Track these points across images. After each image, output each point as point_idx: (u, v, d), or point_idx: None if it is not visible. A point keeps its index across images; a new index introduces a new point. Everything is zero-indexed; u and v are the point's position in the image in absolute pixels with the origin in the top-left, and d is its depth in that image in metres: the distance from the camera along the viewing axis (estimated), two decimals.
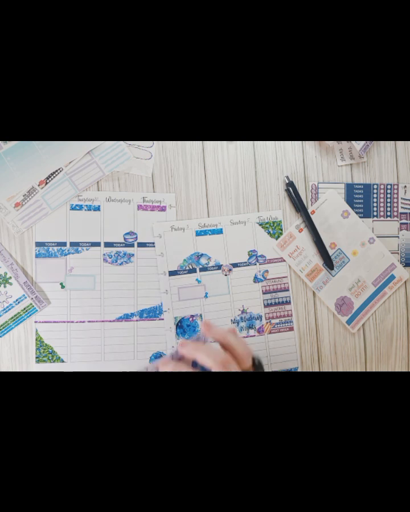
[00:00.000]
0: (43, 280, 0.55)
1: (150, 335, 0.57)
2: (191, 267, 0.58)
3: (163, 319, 0.57)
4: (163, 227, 0.57)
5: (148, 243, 0.57)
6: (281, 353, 0.60)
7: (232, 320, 0.58)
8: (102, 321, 0.56)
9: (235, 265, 0.59)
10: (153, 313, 0.57)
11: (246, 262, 0.59)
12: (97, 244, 0.56)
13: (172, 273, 0.57)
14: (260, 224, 0.59)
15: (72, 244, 0.56)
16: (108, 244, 0.56)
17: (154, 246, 0.57)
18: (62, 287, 0.55)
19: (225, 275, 0.58)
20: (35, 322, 0.55)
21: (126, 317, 0.57)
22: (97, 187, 0.56)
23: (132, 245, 0.57)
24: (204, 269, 0.58)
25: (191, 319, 0.57)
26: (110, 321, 0.56)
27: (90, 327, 0.56)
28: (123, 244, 0.56)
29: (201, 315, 0.58)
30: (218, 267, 0.58)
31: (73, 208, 0.55)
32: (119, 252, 0.56)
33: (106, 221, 0.56)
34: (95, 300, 0.56)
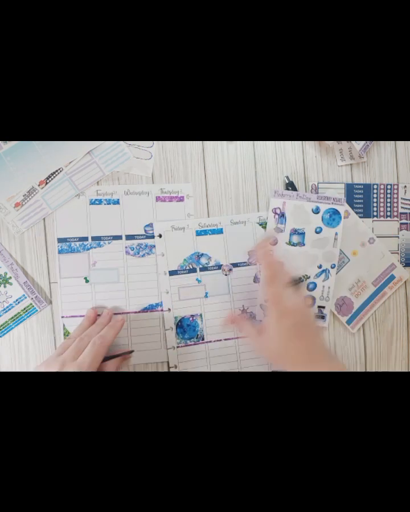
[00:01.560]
0: (67, 276, 0.56)
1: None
2: (191, 267, 0.58)
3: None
4: (163, 227, 0.57)
5: None
6: None
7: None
8: (128, 312, 0.56)
9: (235, 265, 0.59)
10: None
11: (246, 262, 0.59)
12: (119, 237, 0.57)
13: (172, 272, 0.57)
14: (260, 225, 0.59)
15: (94, 238, 0.56)
16: (129, 237, 0.57)
17: None
18: (87, 281, 0.56)
19: (225, 275, 0.58)
20: (62, 317, 0.55)
21: (151, 308, 0.57)
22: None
23: (152, 236, 0.57)
24: (204, 269, 0.58)
25: (191, 319, 0.57)
26: (136, 312, 0.57)
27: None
28: (144, 236, 0.57)
29: (201, 315, 0.58)
30: (219, 266, 0.58)
31: (92, 203, 0.56)
32: (141, 244, 0.57)
33: (126, 213, 0.57)
34: (120, 292, 0.56)
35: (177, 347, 0.57)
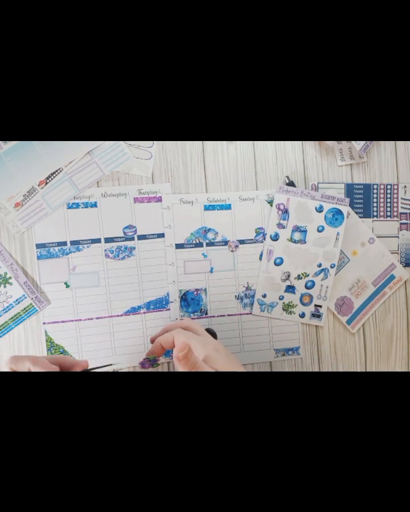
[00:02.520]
0: (47, 281, 0.55)
1: (158, 326, 0.57)
2: (197, 241, 0.58)
3: (169, 309, 0.58)
4: (172, 200, 0.57)
5: (148, 235, 0.57)
6: (283, 331, 0.60)
7: (235, 296, 0.59)
8: (110, 317, 0.56)
9: (242, 242, 0.59)
10: (160, 304, 0.57)
11: (253, 239, 0.59)
12: (98, 240, 0.56)
13: (178, 246, 0.57)
14: (269, 202, 0.59)
15: (72, 242, 0.56)
16: (108, 240, 0.56)
17: (155, 238, 0.57)
18: (67, 286, 0.55)
19: (231, 251, 0.59)
20: (44, 323, 0.55)
21: (134, 311, 0.57)
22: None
23: (132, 238, 0.57)
24: (210, 244, 0.58)
25: (195, 292, 0.58)
26: (118, 316, 0.56)
27: (98, 324, 0.56)
28: (124, 239, 0.57)
29: (205, 289, 0.58)
30: (225, 242, 0.59)
31: (70, 207, 0.55)
32: (121, 247, 0.56)
33: (104, 216, 0.56)
34: (101, 296, 0.56)
35: (181, 319, 0.58)
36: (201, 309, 0.58)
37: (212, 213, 0.58)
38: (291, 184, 0.59)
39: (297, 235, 0.59)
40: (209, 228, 0.58)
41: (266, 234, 0.59)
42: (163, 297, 0.57)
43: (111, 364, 0.54)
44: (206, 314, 0.58)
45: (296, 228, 0.59)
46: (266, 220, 0.59)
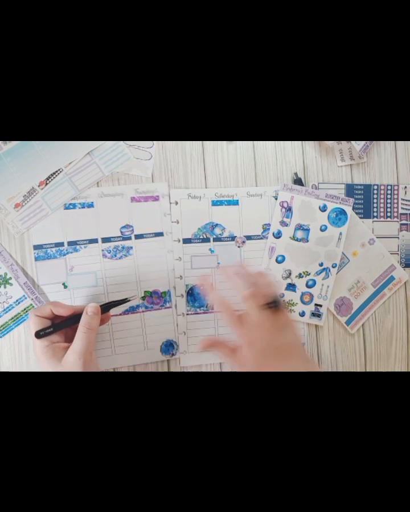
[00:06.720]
0: (45, 282, 0.55)
1: (157, 324, 0.57)
2: (204, 237, 0.58)
3: (169, 307, 0.57)
4: (179, 194, 0.57)
5: (145, 234, 0.57)
6: None
7: None
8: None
9: (249, 237, 0.59)
10: (158, 303, 0.57)
11: (260, 235, 0.59)
12: (95, 240, 0.56)
13: (185, 240, 0.57)
14: (276, 198, 0.59)
15: (70, 243, 0.56)
16: (106, 240, 0.56)
17: (152, 237, 0.57)
18: (65, 287, 0.55)
19: (238, 247, 0.59)
20: None
21: (132, 310, 0.57)
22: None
23: (129, 238, 0.57)
24: (217, 239, 0.58)
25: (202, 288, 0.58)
26: (117, 315, 0.56)
27: None
28: (121, 238, 0.56)
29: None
30: (232, 238, 0.59)
31: (67, 207, 0.55)
32: (118, 246, 0.56)
33: (101, 216, 0.56)
34: (99, 296, 0.56)
35: (187, 314, 0.57)
36: (207, 304, 0.58)
37: (219, 209, 0.58)
38: (298, 181, 0.59)
39: (300, 234, 0.59)
40: (217, 224, 0.58)
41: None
42: (161, 295, 0.57)
43: (127, 299, 0.53)
44: (212, 309, 0.58)
45: (299, 227, 0.59)
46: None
